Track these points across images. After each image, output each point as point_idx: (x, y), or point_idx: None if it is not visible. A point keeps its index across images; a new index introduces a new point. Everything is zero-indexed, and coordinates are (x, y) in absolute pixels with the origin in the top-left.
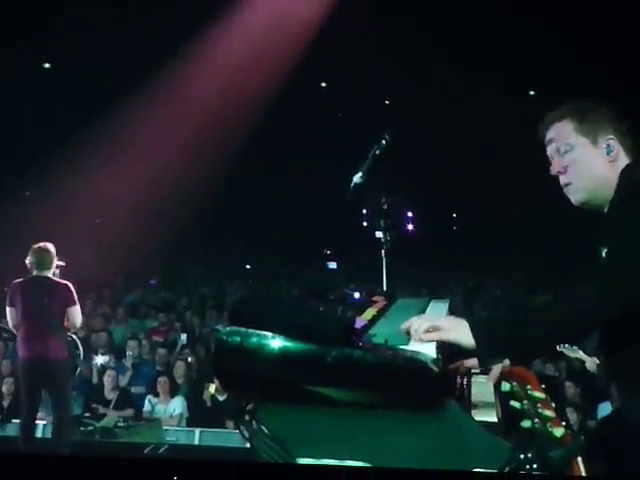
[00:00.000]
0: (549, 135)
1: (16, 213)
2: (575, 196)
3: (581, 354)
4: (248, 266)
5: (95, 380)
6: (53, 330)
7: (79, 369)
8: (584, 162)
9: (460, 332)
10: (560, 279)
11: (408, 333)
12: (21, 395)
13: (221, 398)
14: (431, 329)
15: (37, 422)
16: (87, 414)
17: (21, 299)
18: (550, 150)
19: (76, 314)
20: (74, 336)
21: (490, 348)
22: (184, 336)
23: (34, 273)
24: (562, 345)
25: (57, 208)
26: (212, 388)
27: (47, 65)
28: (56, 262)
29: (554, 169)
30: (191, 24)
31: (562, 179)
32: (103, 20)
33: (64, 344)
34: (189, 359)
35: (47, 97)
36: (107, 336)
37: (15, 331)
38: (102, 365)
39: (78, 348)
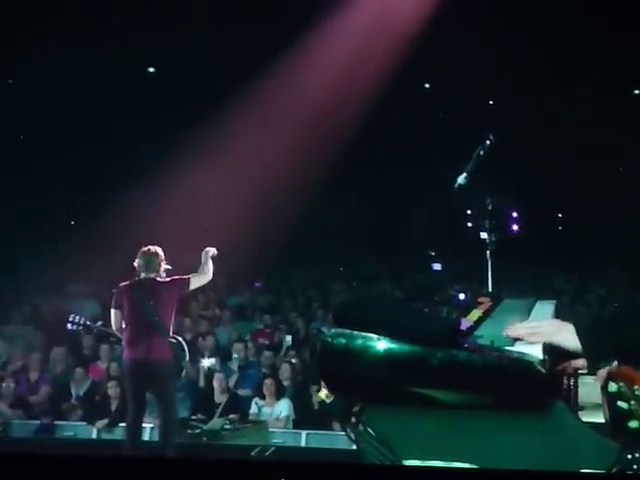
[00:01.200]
0: None
1: (125, 216)
2: None
3: None
4: (351, 268)
5: (202, 383)
6: (157, 332)
7: (184, 371)
8: None
9: (565, 335)
10: None
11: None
12: (127, 398)
13: (328, 400)
14: (536, 334)
15: (144, 425)
16: (194, 417)
17: (127, 301)
18: None
19: (196, 280)
20: (179, 338)
21: (597, 350)
22: (289, 338)
23: (141, 276)
24: None
25: (164, 211)
26: (323, 394)
27: (151, 69)
28: (164, 265)
29: None
30: (296, 25)
31: None
32: (207, 20)
33: (168, 346)
34: (294, 361)
35: (149, 100)
36: (213, 339)
37: (119, 334)
38: (209, 368)
39: (184, 350)
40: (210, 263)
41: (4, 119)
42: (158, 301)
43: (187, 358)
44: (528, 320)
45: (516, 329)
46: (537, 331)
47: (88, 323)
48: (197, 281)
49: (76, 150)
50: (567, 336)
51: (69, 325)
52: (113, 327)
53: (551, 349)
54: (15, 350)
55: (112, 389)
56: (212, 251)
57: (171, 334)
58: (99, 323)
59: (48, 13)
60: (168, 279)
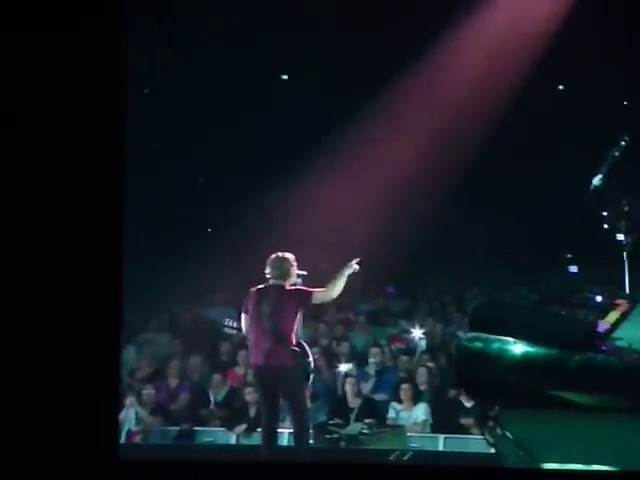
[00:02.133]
0: None
1: (262, 223)
2: None
3: None
4: (486, 272)
5: (339, 389)
6: (277, 337)
7: (311, 377)
8: None
9: None
10: None
11: None
12: (259, 403)
13: (467, 404)
14: None
15: (281, 430)
16: (331, 421)
17: (252, 306)
18: None
19: (320, 296)
20: (304, 343)
21: None
22: (423, 342)
23: (271, 282)
24: None
25: (301, 216)
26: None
27: (284, 77)
28: (297, 271)
29: None
30: (430, 26)
31: None
32: (342, 22)
33: (289, 351)
34: (430, 365)
35: (284, 106)
36: (349, 344)
37: (248, 338)
38: (345, 373)
39: (308, 356)
40: (344, 279)
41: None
42: (279, 308)
43: (312, 364)
44: None
45: None
46: None
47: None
48: (322, 297)
49: (220, 157)
50: None
51: (225, 329)
52: (244, 331)
53: None
54: (145, 357)
55: (250, 395)
56: (354, 267)
57: (294, 341)
58: None
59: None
60: (294, 288)
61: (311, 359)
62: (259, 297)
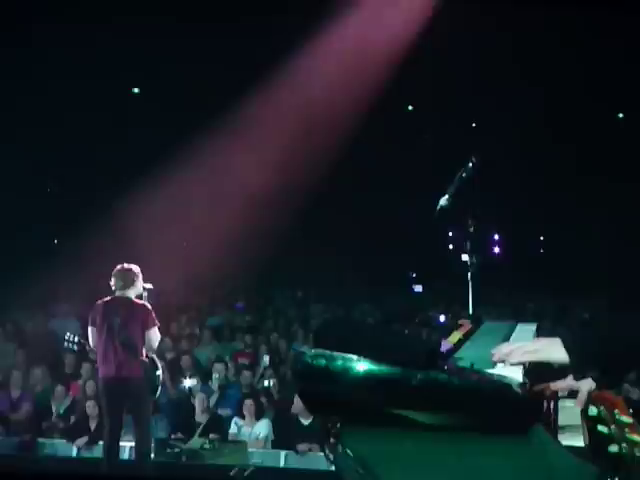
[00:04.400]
0: None
1: (107, 234)
2: None
3: None
4: (331, 289)
5: (182, 403)
6: (127, 350)
7: (159, 389)
8: None
9: (551, 348)
10: None
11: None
12: (103, 416)
13: (306, 422)
14: (522, 352)
15: (124, 444)
16: (174, 436)
17: (100, 319)
18: None
19: (153, 336)
20: (154, 357)
21: (583, 360)
22: (267, 358)
23: (117, 294)
24: None
25: (144, 231)
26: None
27: (136, 90)
28: (142, 284)
29: None
30: (286, 44)
31: None
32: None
33: (139, 364)
34: (272, 381)
35: (133, 118)
36: (193, 359)
37: (95, 351)
38: (190, 388)
39: (157, 369)
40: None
41: None
42: (128, 320)
43: (161, 377)
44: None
45: (501, 349)
46: (526, 348)
47: (82, 341)
48: (150, 339)
49: (62, 165)
50: (553, 349)
51: (65, 344)
52: (91, 344)
53: (532, 371)
54: None
55: (90, 408)
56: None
57: (144, 353)
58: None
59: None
60: (141, 303)
61: (160, 372)
62: (106, 309)
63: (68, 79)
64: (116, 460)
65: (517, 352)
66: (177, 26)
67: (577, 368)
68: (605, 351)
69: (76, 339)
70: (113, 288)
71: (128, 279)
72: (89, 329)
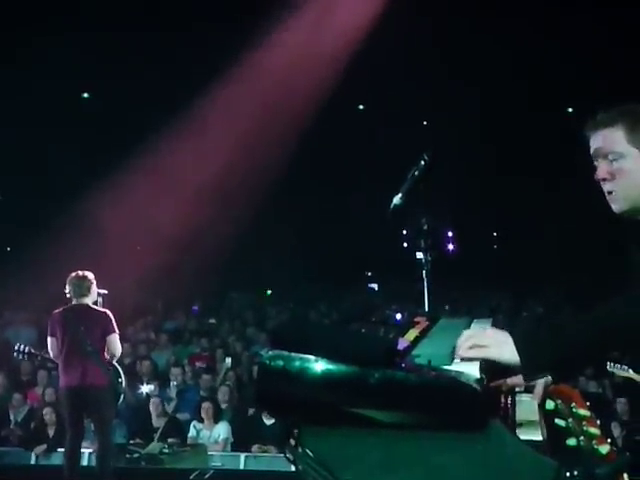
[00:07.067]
0: (596, 139)
1: (59, 241)
2: (618, 205)
3: (631, 373)
4: (287, 290)
5: (140, 408)
6: (91, 357)
7: (122, 396)
8: (632, 173)
9: (503, 348)
10: (602, 295)
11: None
12: (65, 423)
13: (269, 422)
14: (474, 346)
15: (83, 450)
16: (132, 441)
17: (60, 328)
18: (595, 154)
19: (115, 343)
20: (115, 363)
21: (534, 361)
22: (229, 360)
23: (73, 302)
24: (612, 365)
25: (97, 236)
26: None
27: (86, 95)
28: (97, 290)
29: (599, 175)
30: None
31: (606, 186)
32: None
33: (103, 371)
34: (230, 383)
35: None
36: (151, 363)
37: (57, 361)
38: (147, 393)
39: (120, 375)
40: None
41: None
42: (89, 327)
43: (123, 384)
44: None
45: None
46: (478, 343)
47: (33, 351)
48: (112, 346)
49: (12, 172)
50: (505, 349)
51: (15, 354)
52: (51, 354)
53: (489, 366)
54: None
55: (48, 415)
56: None
57: (106, 360)
58: (44, 351)
59: None
60: (100, 310)
61: (123, 378)
62: (66, 319)
63: (18, 83)
64: (77, 467)
65: (467, 342)
66: (128, 26)
67: (527, 374)
68: (557, 357)
69: (26, 349)
70: (69, 295)
71: (84, 286)
72: (49, 339)
